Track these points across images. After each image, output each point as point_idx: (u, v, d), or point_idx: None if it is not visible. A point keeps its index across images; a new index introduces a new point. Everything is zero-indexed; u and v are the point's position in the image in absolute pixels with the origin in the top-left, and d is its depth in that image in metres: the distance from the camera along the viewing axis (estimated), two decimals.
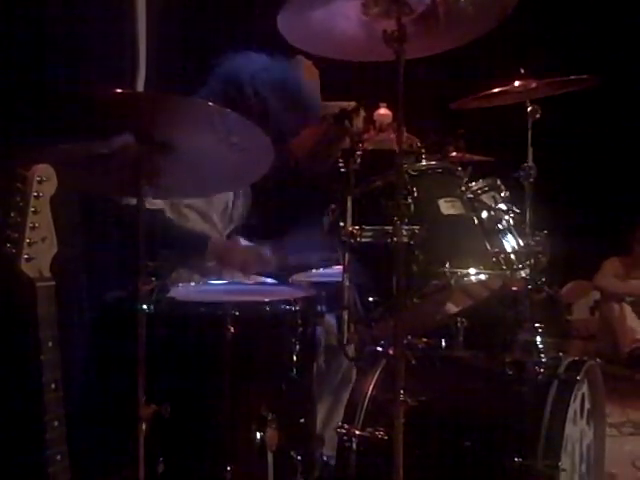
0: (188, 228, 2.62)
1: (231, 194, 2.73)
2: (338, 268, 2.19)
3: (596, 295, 5.01)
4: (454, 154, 2.81)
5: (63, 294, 1.58)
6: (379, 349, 2.35)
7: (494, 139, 3.58)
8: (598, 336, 4.86)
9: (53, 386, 1.50)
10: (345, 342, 2.11)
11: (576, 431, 2.22)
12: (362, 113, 2.38)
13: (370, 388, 2.26)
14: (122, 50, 2.68)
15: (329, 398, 2.53)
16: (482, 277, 2.10)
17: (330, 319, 2.48)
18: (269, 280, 2.60)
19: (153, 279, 1.85)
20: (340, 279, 2.10)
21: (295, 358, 2.12)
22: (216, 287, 2.36)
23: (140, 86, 2.73)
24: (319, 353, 2.35)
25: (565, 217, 4.31)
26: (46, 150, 1.66)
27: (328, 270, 2.79)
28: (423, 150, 2.45)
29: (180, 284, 2.27)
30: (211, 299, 2.13)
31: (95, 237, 2.61)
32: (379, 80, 2.43)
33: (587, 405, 2.31)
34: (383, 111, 3.92)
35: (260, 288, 2.44)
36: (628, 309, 4.67)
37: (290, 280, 2.62)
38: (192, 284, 2.34)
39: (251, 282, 2.55)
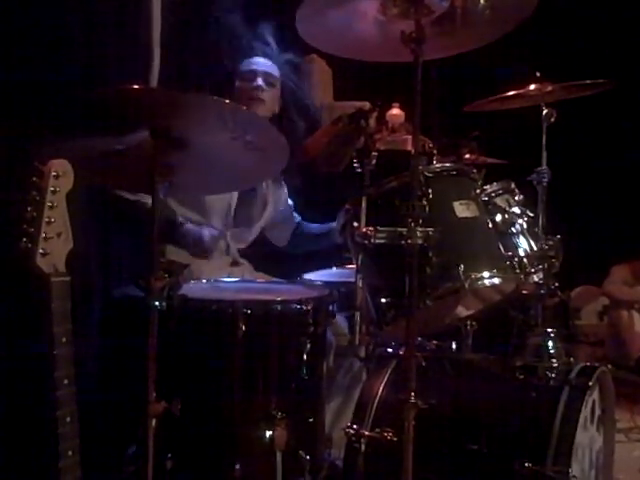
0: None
1: (234, 198, 2.72)
2: (351, 268, 2.19)
3: (605, 301, 4.98)
4: (468, 156, 2.80)
5: (77, 289, 1.58)
6: (389, 350, 2.35)
7: (509, 142, 3.56)
8: (606, 342, 4.83)
9: (66, 381, 1.50)
10: (357, 343, 2.10)
11: (586, 437, 2.21)
12: (375, 113, 2.37)
13: (380, 389, 2.25)
14: (136, 50, 2.68)
15: (339, 398, 2.52)
16: (496, 281, 2.09)
17: (341, 320, 2.48)
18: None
19: (166, 276, 1.84)
20: (352, 279, 2.10)
21: (305, 357, 2.12)
22: (228, 285, 2.36)
23: (153, 82, 2.73)
24: (329, 353, 2.34)
25: (577, 221, 4.30)
26: (63, 145, 1.66)
27: (341, 270, 2.79)
28: (435, 151, 2.45)
29: (192, 281, 2.27)
30: (223, 297, 2.13)
31: (109, 233, 2.61)
32: (392, 80, 2.43)
33: (597, 411, 2.30)
34: (395, 111, 3.89)
35: (272, 287, 2.43)
36: (636, 316, 4.65)
37: (302, 279, 2.62)
38: (204, 281, 2.34)
39: (263, 281, 2.55)
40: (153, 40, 2.72)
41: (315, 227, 3.01)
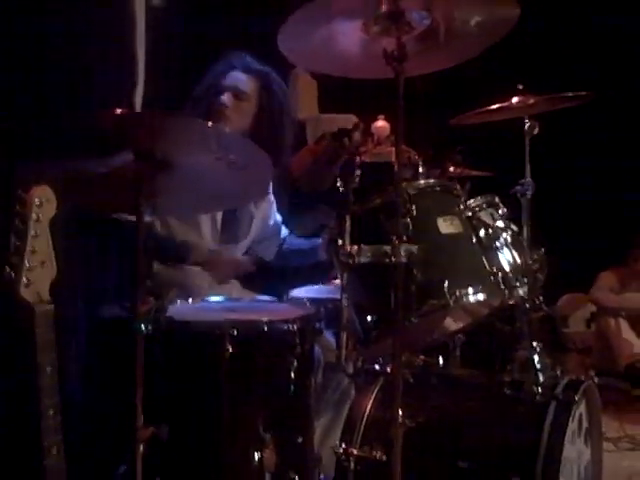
0: (172, 237, 2.64)
1: (219, 212, 2.72)
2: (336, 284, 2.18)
3: (592, 308, 4.99)
4: (452, 169, 2.80)
5: (60, 316, 1.57)
6: (377, 367, 2.34)
7: (492, 155, 3.57)
8: (594, 349, 4.83)
9: (51, 412, 1.48)
10: (344, 360, 2.10)
11: (574, 451, 2.22)
12: (361, 127, 2.37)
13: (368, 407, 2.25)
14: (121, 67, 2.68)
15: (328, 415, 2.51)
16: (480, 297, 2.09)
17: (328, 336, 2.48)
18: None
19: (151, 299, 1.84)
20: (338, 297, 2.10)
21: (293, 377, 2.11)
22: (214, 305, 2.35)
23: (138, 103, 2.73)
24: (317, 371, 2.33)
25: (563, 230, 4.32)
26: (46, 170, 1.65)
27: (327, 286, 2.79)
28: (420, 162, 2.45)
29: (178, 302, 2.26)
30: (209, 318, 2.12)
31: (93, 257, 2.60)
32: (377, 92, 2.43)
33: (585, 424, 2.31)
34: (381, 123, 3.90)
35: (258, 306, 2.42)
36: (624, 323, 4.65)
37: (288, 297, 2.62)
38: (190, 302, 2.33)
39: (249, 300, 2.54)
40: (138, 60, 2.72)
41: (301, 242, 3.00)
